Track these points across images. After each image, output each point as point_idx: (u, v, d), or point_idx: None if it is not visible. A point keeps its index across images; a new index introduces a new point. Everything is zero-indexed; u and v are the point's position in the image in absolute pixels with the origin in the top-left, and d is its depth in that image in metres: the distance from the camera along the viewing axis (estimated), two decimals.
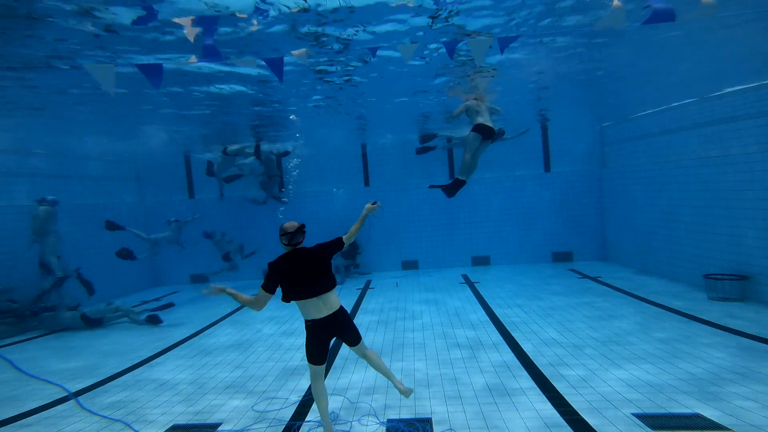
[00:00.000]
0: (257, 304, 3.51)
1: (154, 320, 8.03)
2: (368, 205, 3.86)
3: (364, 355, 3.80)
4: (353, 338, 3.70)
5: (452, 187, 6.64)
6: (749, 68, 6.33)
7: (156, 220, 12.31)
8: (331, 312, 3.53)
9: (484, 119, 6.47)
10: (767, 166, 6.62)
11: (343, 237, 3.72)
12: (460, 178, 6.56)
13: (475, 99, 6.83)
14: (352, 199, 12.23)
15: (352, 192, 12.28)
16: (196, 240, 11.37)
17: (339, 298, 3.69)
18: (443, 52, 5.17)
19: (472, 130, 6.47)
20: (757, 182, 6.78)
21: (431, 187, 7.05)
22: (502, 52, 4.49)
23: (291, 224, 3.56)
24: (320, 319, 3.50)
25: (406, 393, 3.84)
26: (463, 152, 6.67)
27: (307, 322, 3.57)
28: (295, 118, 5.07)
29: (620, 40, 5.39)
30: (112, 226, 9.62)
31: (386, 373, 3.84)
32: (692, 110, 8.09)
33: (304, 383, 4.90)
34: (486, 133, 6.43)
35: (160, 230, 10.69)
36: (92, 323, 8.05)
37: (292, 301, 3.50)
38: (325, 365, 3.64)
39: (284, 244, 3.56)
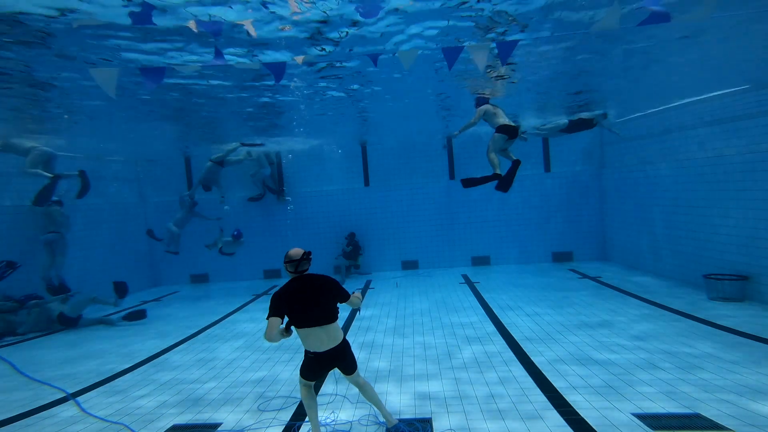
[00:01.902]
0: (267, 334, 3.26)
1: (133, 317, 8.20)
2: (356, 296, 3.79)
3: (357, 384, 3.68)
4: (350, 368, 3.59)
5: (483, 180, 6.98)
6: (751, 68, 6.32)
7: (156, 220, 12.35)
8: (333, 345, 3.42)
9: (504, 120, 6.73)
10: (767, 166, 6.63)
11: (351, 295, 3.65)
12: (498, 172, 6.80)
13: (490, 103, 6.95)
14: (352, 199, 12.24)
15: (352, 192, 12.29)
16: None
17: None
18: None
19: (497, 131, 6.71)
20: (757, 182, 6.78)
21: (497, 188, 7.13)
22: (503, 63, 4.47)
23: (296, 251, 3.47)
24: (322, 352, 3.40)
25: (391, 423, 3.77)
26: (487, 151, 6.87)
27: (308, 353, 3.47)
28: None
29: (621, 40, 5.37)
30: (150, 234, 10.93)
31: (377, 404, 3.74)
32: (692, 110, 8.09)
33: None
34: (511, 133, 6.69)
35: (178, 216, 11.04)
36: (68, 323, 8.07)
37: (294, 329, 3.42)
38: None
39: (290, 272, 3.48)
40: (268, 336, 3.23)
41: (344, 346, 3.52)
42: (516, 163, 6.88)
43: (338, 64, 5.49)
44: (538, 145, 11.69)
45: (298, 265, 3.46)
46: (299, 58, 4.63)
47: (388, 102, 7.74)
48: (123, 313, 8.54)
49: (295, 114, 8.16)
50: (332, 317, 3.44)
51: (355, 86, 6.58)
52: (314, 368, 3.49)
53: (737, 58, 5.89)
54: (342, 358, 3.50)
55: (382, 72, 5.97)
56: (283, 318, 3.34)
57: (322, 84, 6.39)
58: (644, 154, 9.56)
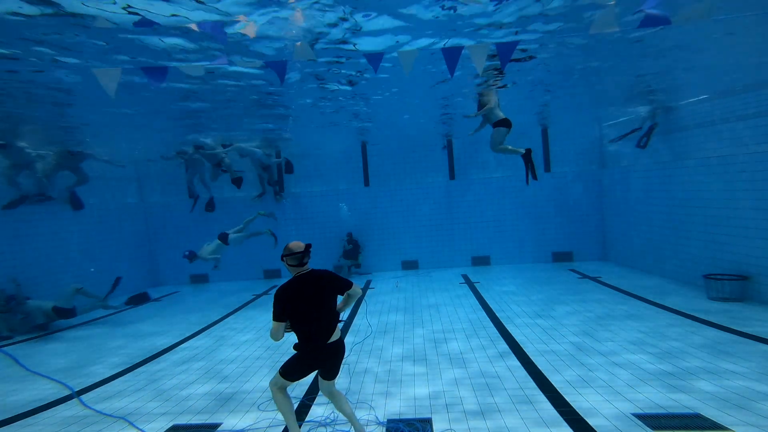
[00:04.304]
0: (274, 335, 3.30)
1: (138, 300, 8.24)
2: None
3: (331, 393, 3.52)
4: (334, 372, 3.47)
5: (528, 167, 6.96)
6: (753, 67, 6.29)
7: (156, 219, 12.37)
8: (334, 339, 3.35)
9: (502, 113, 6.85)
10: (767, 165, 6.63)
11: (354, 287, 3.51)
12: (522, 152, 6.84)
13: (489, 93, 6.97)
14: (352, 200, 12.23)
15: (352, 192, 12.29)
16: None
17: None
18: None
19: (497, 126, 6.79)
20: (757, 182, 6.78)
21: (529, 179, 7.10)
22: (503, 66, 4.46)
23: (297, 244, 3.33)
24: (322, 345, 3.32)
25: None
26: (494, 147, 6.92)
27: (305, 345, 3.38)
28: None
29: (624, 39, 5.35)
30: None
31: (350, 416, 3.53)
32: (692, 110, 8.09)
33: (304, 383, 4.88)
34: (509, 125, 6.81)
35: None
36: (66, 314, 7.90)
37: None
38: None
39: (292, 265, 3.33)
40: (274, 338, 3.33)
41: (341, 344, 3.46)
42: (527, 151, 6.93)
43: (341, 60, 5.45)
44: (539, 146, 11.68)
45: (302, 257, 3.31)
46: (300, 44, 4.58)
47: (390, 101, 7.72)
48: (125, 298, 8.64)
49: (295, 113, 8.15)
50: (336, 319, 3.41)
51: (348, 87, 6.55)
52: (305, 364, 3.39)
53: (744, 57, 5.86)
54: (337, 357, 3.43)
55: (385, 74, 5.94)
56: (286, 319, 3.30)
57: (324, 71, 6.33)
58: (644, 154, 9.54)
